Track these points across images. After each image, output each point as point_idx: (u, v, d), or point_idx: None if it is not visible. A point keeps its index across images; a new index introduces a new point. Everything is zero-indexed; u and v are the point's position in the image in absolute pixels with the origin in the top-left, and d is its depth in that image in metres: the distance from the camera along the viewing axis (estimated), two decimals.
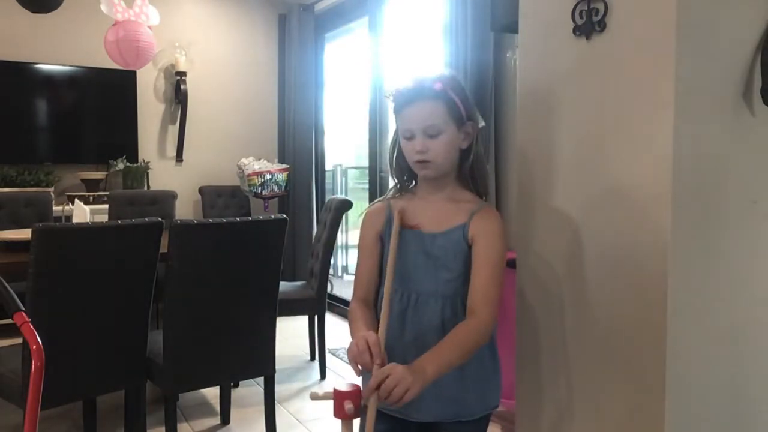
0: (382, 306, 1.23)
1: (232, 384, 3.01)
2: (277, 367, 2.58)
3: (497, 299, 1.29)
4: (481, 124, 1.38)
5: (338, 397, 1.11)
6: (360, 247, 1.39)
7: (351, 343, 1.19)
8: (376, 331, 1.21)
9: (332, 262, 3.98)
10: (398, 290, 1.32)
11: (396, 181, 1.43)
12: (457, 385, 1.27)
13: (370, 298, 1.36)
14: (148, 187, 5.00)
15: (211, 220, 2.39)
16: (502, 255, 1.31)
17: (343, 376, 3.52)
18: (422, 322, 1.29)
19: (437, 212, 1.33)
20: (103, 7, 3.97)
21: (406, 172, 1.40)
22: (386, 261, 1.31)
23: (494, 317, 1.28)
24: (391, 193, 1.44)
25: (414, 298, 1.32)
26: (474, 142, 1.35)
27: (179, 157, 5.29)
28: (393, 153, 1.40)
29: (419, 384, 1.11)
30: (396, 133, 1.38)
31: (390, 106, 1.38)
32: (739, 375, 1.65)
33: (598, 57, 1.68)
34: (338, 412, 1.12)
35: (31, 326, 1.27)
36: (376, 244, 1.36)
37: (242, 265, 2.37)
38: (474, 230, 1.30)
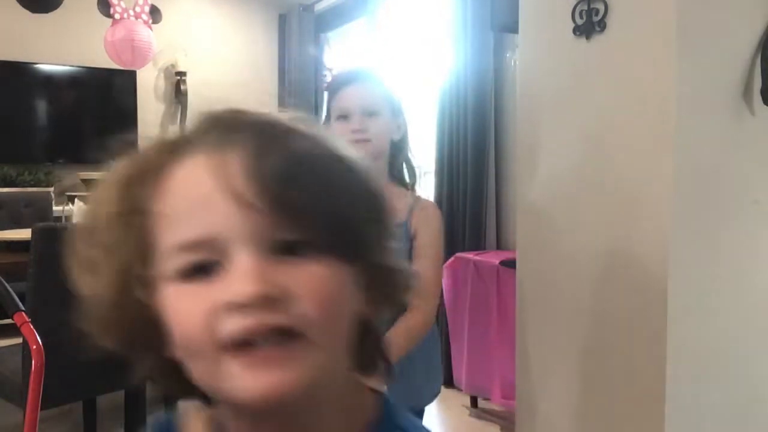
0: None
1: None
2: None
3: (438, 293, 1.29)
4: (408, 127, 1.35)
5: None
6: None
7: None
8: None
9: None
10: None
11: None
12: (408, 374, 1.21)
13: None
14: None
15: None
16: (442, 250, 1.32)
17: None
18: None
19: None
20: (98, 8, 3.97)
21: None
22: None
23: (435, 311, 1.28)
24: None
25: None
26: (405, 137, 1.34)
27: None
28: None
29: None
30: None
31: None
32: (739, 375, 1.65)
33: (598, 57, 1.68)
34: None
35: (31, 326, 1.27)
36: None
37: None
38: (415, 225, 1.28)
